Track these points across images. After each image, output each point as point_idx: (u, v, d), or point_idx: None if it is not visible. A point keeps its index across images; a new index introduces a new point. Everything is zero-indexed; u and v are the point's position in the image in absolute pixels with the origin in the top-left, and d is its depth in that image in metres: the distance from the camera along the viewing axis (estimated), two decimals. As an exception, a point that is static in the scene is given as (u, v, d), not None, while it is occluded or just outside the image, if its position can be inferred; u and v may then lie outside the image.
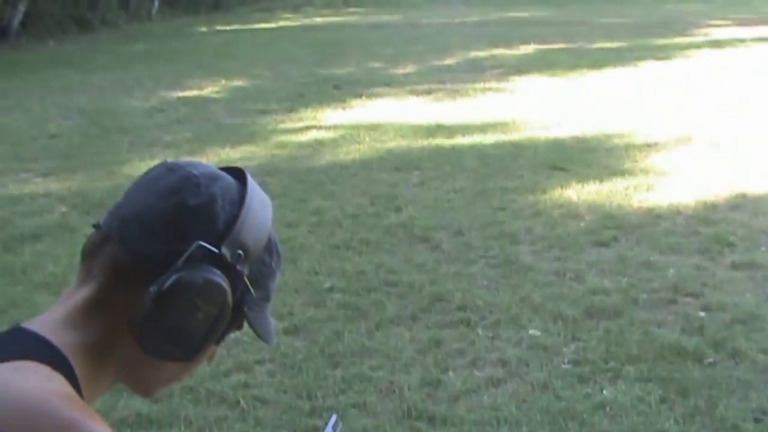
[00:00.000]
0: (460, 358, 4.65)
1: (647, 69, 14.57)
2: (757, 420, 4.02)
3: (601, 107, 11.33)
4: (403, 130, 10.25)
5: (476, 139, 9.74)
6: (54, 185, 8.31)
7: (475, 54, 17.09)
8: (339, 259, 6.11)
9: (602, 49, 17.10)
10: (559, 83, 13.45)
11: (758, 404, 4.12)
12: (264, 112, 11.78)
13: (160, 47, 19.92)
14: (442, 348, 4.76)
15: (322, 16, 28.22)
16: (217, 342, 1.23)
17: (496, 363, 4.59)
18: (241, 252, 1.20)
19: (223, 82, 14.54)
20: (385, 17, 25.75)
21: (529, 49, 17.47)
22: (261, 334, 1.27)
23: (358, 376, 4.46)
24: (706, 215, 6.83)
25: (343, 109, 11.82)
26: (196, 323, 1.16)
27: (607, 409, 4.13)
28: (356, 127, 10.51)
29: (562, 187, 7.65)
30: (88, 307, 1.18)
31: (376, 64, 16.10)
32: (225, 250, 1.18)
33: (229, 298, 1.18)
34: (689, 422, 4.00)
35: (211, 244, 1.17)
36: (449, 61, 16.24)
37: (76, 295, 1.20)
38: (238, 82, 14.61)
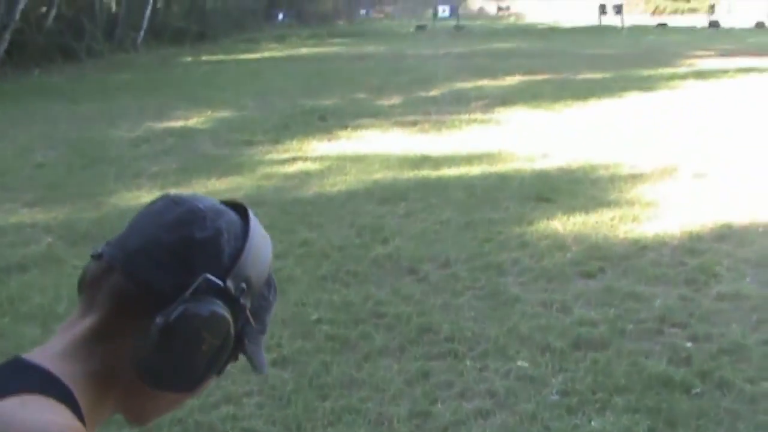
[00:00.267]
0: (449, 390, 4.65)
1: (632, 100, 14.70)
2: (745, 451, 4.03)
3: (587, 138, 11.41)
4: (389, 162, 10.28)
5: (462, 170, 9.79)
6: (40, 215, 8.27)
7: (460, 85, 17.21)
8: (326, 291, 6.11)
9: (587, 80, 17.25)
10: (544, 114, 13.54)
11: (746, 435, 4.14)
12: (250, 143, 11.81)
13: (146, 77, 19.98)
14: (430, 379, 4.76)
15: (307, 46, 28.37)
16: (218, 373, 1.24)
17: (484, 394, 4.59)
18: (244, 285, 1.22)
19: (209, 112, 14.58)
20: (370, 48, 25.90)
21: (514, 80, 17.61)
22: (257, 365, 1.29)
23: (347, 408, 4.46)
24: (692, 246, 6.87)
25: (329, 140, 11.86)
26: (200, 355, 1.18)
27: (596, 440, 4.13)
28: (342, 159, 10.55)
29: (548, 219, 7.68)
30: (91, 337, 1.18)
31: (362, 95, 16.18)
32: (230, 283, 1.20)
33: (232, 330, 1.20)
34: (678, 453, 4.01)
35: (216, 277, 1.19)
36: (434, 93, 16.34)
37: (77, 325, 1.20)
38: (224, 113, 14.65)
